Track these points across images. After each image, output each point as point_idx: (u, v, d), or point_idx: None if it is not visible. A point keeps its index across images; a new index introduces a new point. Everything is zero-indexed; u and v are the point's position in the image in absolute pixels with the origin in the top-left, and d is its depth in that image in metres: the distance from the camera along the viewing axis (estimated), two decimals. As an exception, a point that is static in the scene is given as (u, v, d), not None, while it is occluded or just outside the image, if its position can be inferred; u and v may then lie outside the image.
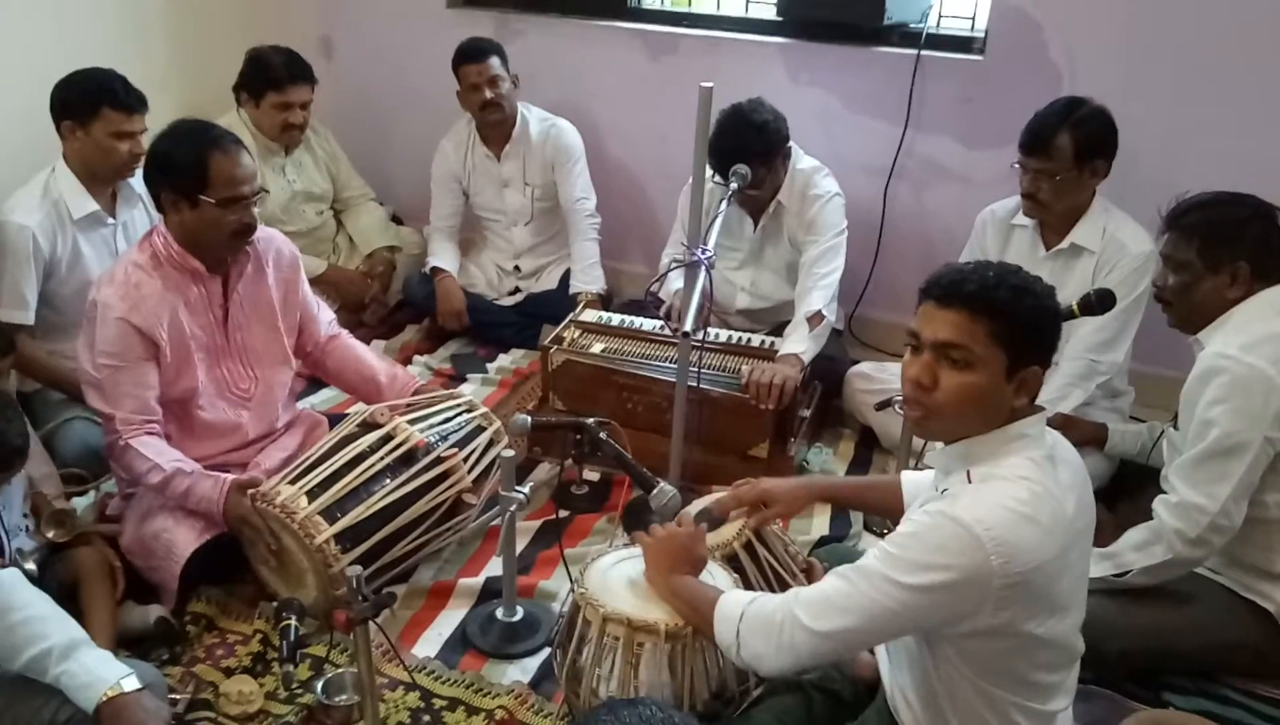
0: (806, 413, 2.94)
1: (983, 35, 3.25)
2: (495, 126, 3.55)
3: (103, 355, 2.27)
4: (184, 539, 2.28)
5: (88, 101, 2.70)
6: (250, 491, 2.27)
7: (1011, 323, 1.52)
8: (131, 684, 1.70)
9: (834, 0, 3.31)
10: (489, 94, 3.45)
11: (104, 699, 1.67)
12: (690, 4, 3.80)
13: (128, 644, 2.19)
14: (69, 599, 2.12)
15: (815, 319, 2.87)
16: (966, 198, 3.21)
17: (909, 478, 1.95)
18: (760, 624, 1.63)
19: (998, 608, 1.48)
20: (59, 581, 2.16)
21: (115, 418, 2.29)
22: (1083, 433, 2.55)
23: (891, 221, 3.45)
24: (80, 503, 2.62)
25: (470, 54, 3.46)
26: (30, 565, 2.08)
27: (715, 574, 1.91)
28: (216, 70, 3.53)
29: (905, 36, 3.32)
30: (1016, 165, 2.66)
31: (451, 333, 3.67)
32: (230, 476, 2.32)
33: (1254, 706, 2.16)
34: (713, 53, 3.57)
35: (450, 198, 3.70)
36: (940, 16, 3.37)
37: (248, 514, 2.24)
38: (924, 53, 3.24)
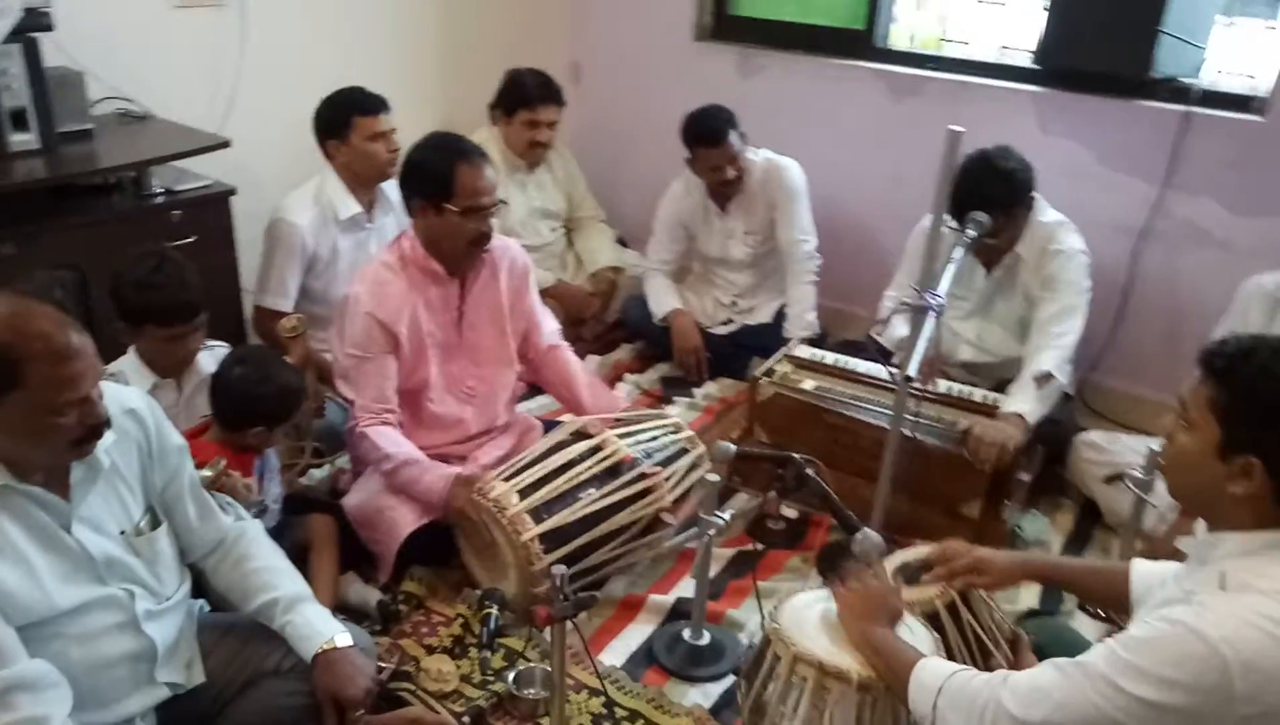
0: (1026, 477, 2.80)
1: (1266, 95, 3.01)
2: (731, 193, 3.55)
3: (351, 346, 2.45)
4: (405, 519, 2.43)
5: (340, 117, 2.97)
6: (478, 485, 2.37)
7: (1234, 396, 1.40)
8: (345, 640, 1.83)
9: (1098, 50, 3.16)
10: (731, 173, 3.45)
11: (320, 650, 1.79)
12: (940, 46, 3.74)
13: (342, 612, 2.33)
14: (299, 561, 2.30)
15: (1044, 379, 2.73)
16: (1226, 266, 2.99)
17: (1141, 568, 1.80)
18: (962, 701, 1.54)
19: None
20: (293, 543, 2.33)
21: (356, 403, 2.47)
22: None
23: (1138, 285, 3.26)
24: (317, 474, 2.84)
25: (708, 138, 3.40)
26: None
27: (914, 630, 1.84)
28: (476, 89, 3.76)
29: (1173, 91, 3.14)
30: None
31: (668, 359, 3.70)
32: (456, 470, 2.44)
33: None
34: (959, 97, 3.49)
35: (674, 243, 3.70)
36: (1216, 71, 3.16)
37: (467, 507, 2.34)
38: (1193, 110, 3.04)
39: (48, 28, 2.51)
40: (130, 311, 2.26)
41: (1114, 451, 2.78)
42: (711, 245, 3.69)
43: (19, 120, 2.50)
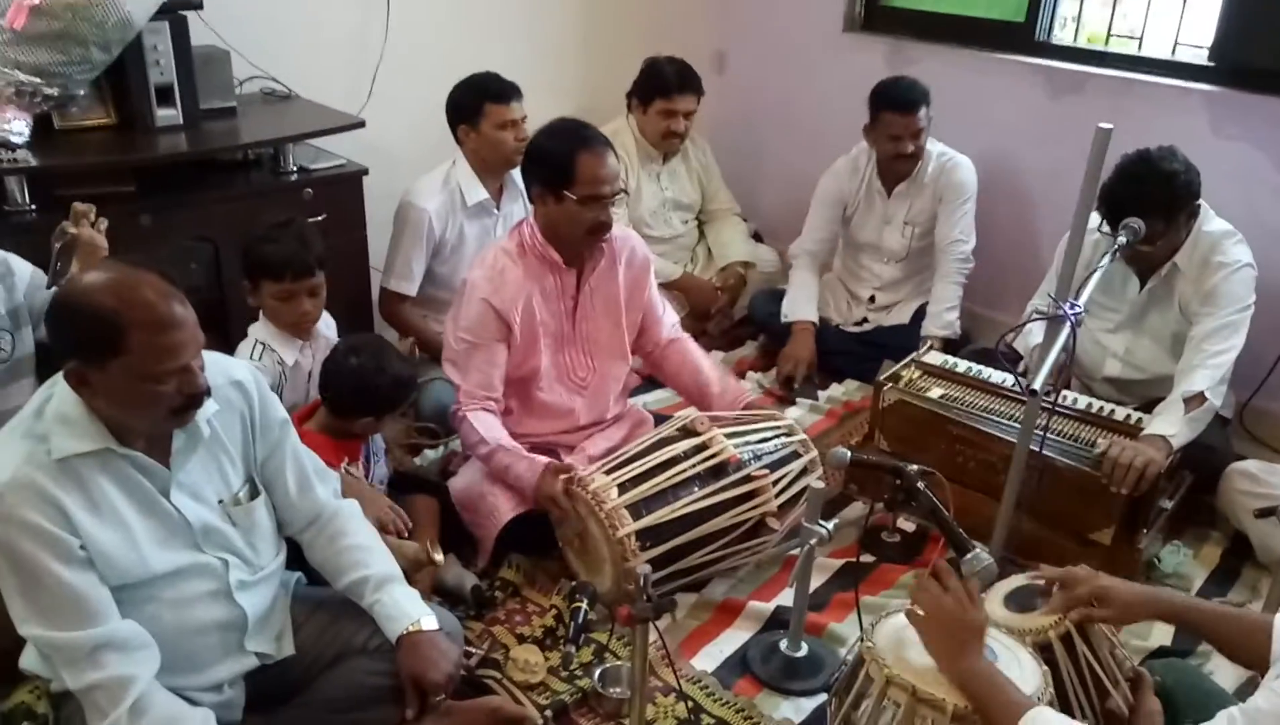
0: (1169, 504, 2.58)
1: None
2: (902, 172, 3.42)
3: (463, 331, 2.46)
4: (505, 505, 2.43)
5: (472, 103, 2.97)
6: (564, 475, 2.35)
7: None
8: (430, 624, 1.83)
9: (1283, 47, 2.90)
10: (909, 147, 3.30)
11: (405, 632, 1.80)
12: (1107, 42, 3.50)
13: (439, 594, 2.34)
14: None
15: (1195, 401, 2.51)
16: None
17: None
18: None
19: None
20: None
21: (461, 389, 2.47)
22: None
23: (1315, 304, 2.95)
24: (430, 455, 2.88)
25: (900, 103, 3.26)
26: None
27: (1022, 663, 1.71)
28: (617, 76, 3.73)
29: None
30: None
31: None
32: (547, 460, 2.42)
33: None
34: (1123, 95, 3.26)
35: (828, 223, 3.56)
36: None
37: (556, 496, 2.32)
38: (1390, 113, 2.74)
39: (197, 6, 2.62)
40: (248, 265, 2.34)
41: (1272, 483, 2.53)
42: (866, 229, 3.54)
43: (165, 96, 2.62)
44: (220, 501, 1.73)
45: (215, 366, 1.69)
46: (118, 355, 1.49)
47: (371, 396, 2.26)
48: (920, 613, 1.72)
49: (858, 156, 3.50)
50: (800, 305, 3.51)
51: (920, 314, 3.47)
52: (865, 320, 3.62)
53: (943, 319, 3.36)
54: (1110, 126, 2.05)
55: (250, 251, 2.34)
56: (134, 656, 1.58)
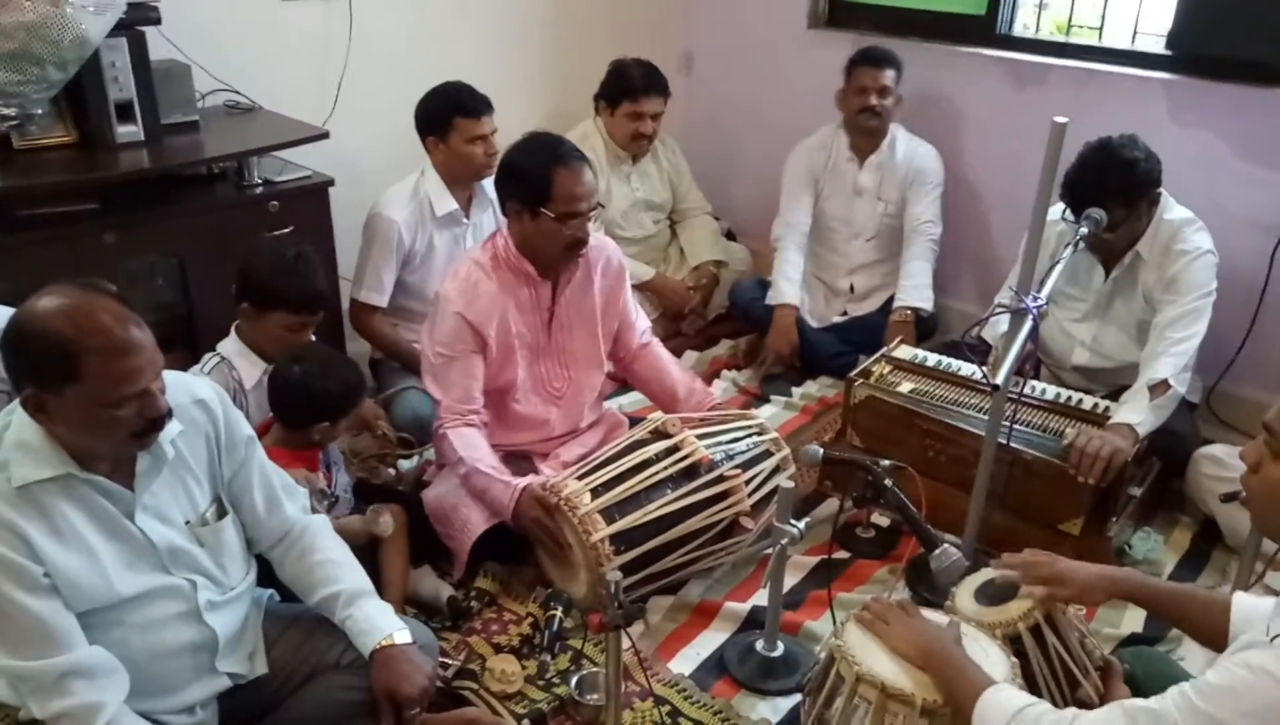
0: (1137, 491, 2.60)
1: None
2: (866, 136, 3.48)
3: (439, 345, 2.44)
4: (477, 519, 2.42)
5: (442, 116, 2.95)
6: (542, 482, 2.34)
7: None
8: (403, 638, 1.81)
9: (1239, 34, 2.92)
10: (874, 101, 3.38)
11: (378, 646, 1.79)
12: (1067, 33, 3.52)
13: (414, 605, 2.35)
14: (372, 550, 2.32)
15: (1159, 388, 2.53)
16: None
17: (1243, 602, 1.64)
18: None
19: None
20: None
21: (442, 403, 2.46)
22: None
23: (1277, 287, 2.99)
24: (405, 465, 2.87)
25: (871, 59, 3.40)
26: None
27: (990, 654, 1.73)
28: (585, 79, 3.72)
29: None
30: None
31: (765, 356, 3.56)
32: (522, 483, 2.37)
33: None
34: (1085, 85, 3.29)
35: (802, 197, 3.58)
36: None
37: (539, 518, 2.30)
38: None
39: (155, 21, 2.59)
40: (262, 294, 2.31)
41: (1237, 467, 2.55)
42: (836, 200, 3.58)
43: (125, 112, 2.58)
44: (187, 522, 1.71)
45: (178, 386, 1.67)
46: (74, 382, 1.47)
47: (321, 402, 2.23)
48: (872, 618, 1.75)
49: (824, 133, 3.58)
50: (782, 287, 3.52)
51: (890, 305, 3.48)
52: (845, 312, 3.63)
53: (922, 293, 3.39)
54: (1065, 120, 2.07)
55: (259, 277, 2.30)
56: (101, 683, 1.56)
